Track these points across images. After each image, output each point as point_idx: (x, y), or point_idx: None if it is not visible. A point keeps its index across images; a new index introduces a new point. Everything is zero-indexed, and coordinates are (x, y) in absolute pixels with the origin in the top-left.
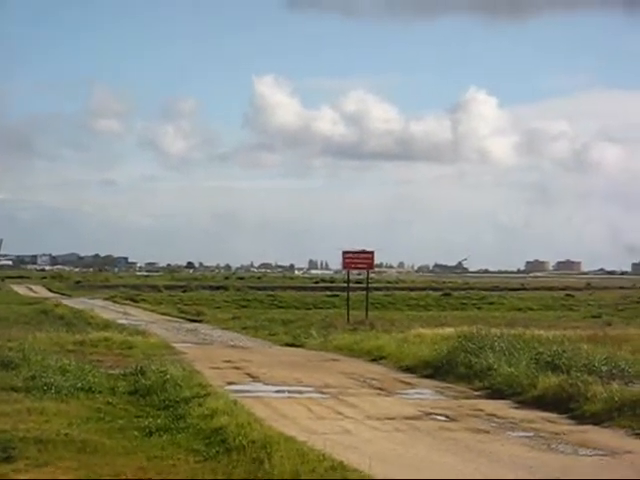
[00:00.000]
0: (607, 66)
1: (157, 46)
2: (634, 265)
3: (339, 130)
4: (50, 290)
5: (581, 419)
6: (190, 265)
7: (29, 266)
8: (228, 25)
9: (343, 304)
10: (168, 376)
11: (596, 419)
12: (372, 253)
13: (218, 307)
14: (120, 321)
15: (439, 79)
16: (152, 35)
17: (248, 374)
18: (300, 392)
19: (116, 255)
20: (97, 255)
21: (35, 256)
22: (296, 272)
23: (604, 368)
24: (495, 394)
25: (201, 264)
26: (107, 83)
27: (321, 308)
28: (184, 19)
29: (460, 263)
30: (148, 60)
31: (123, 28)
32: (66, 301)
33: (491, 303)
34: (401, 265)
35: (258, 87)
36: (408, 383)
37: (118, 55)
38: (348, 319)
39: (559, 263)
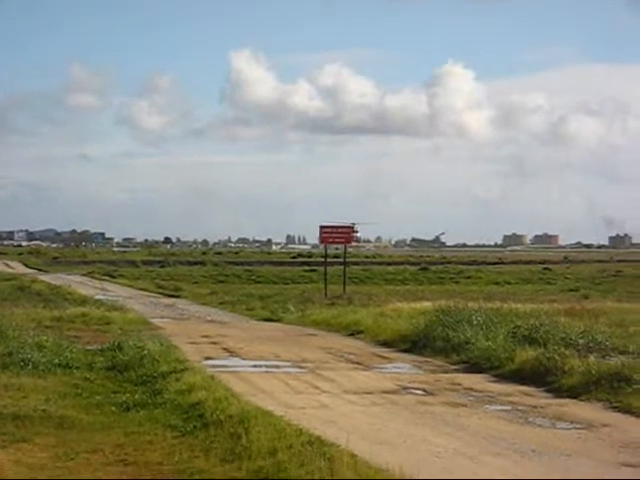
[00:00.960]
0: (584, 40)
1: (134, 23)
2: (611, 238)
3: (315, 104)
4: (27, 266)
5: (558, 392)
6: (167, 240)
7: (6, 242)
8: (204, 1)
9: (321, 279)
10: (145, 351)
11: (573, 392)
12: (350, 227)
13: (196, 282)
14: (98, 297)
15: (416, 53)
16: (129, 12)
17: (225, 349)
18: (277, 367)
19: (93, 231)
20: (74, 231)
21: (12, 232)
22: (274, 247)
23: (581, 341)
24: (473, 368)
25: (178, 239)
26: (84, 60)
27: (299, 283)
28: None
29: (437, 237)
30: (125, 37)
31: (100, 6)
32: (43, 277)
33: (468, 277)
34: (378, 240)
35: (235, 62)
36: (385, 357)
37: (95, 33)
38: (326, 294)
39: (536, 237)
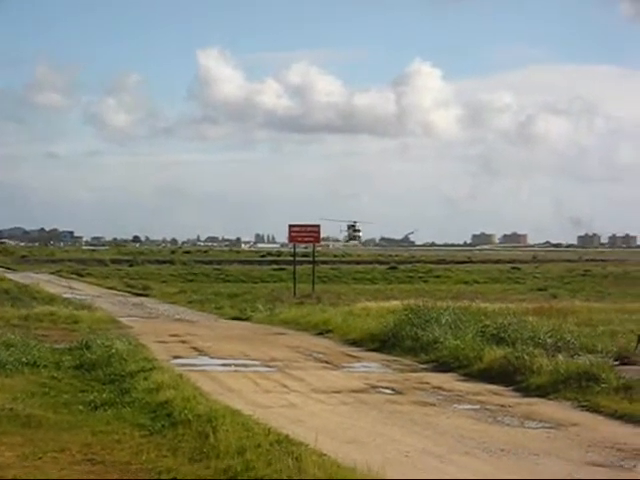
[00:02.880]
0: (552, 40)
1: (100, 21)
2: (580, 238)
3: (283, 103)
4: None
5: (527, 391)
6: (136, 239)
7: None
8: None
9: (290, 278)
10: (114, 350)
11: (542, 391)
12: (318, 227)
13: (164, 281)
14: (66, 295)
15: (384, 52)
16: (95, 10)
17: (194, 348)
18: (246, 366)
19: (62, 229)
20: (42, 229)
21: None
22: (243, 246)
23: (550, 340)
24: (441, 367)
25: (147, 238)
26: (50, 58)
27: (268, 282)
28: None
29: (407, 236)
30: (92, 35)
31: (65, 4)
32: (11, 275)
33: (437, 276)
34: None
35: (202, 60)
36: (354, 356)
37: (61, 31)
38: (295, 293)
39: (505, 236)
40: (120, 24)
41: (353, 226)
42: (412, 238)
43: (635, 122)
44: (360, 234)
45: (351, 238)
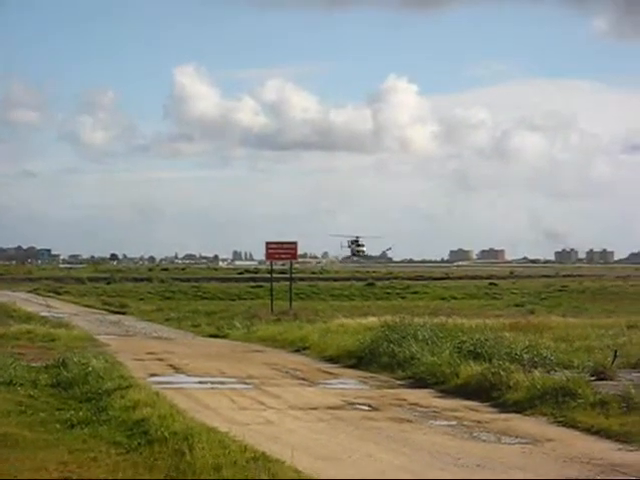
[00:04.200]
0: (527, 55)
1: (76, 38)
2: (557, 253)
3: (259, 120)
4: None
5: (503, 407)
6: (114, 257)
7: None
8: (147, 16)
9: (267, 295)
10: (90, 368)
11: (518, 407)
12: (295, 244)
13: (142, 299)
14: (43, 314)
15: (359, 67)
16: (70, 27)
17: (171, 365)
18: (223, 383)
19: (39, 247)
20: (19, 247)
21: None
22: (220, 263)
23: (526, 356)
24: (418, 383)
25: (125, 256)
26: (25, 75)
27: (245, 299)
28: (103, 10)
29: (384, 253)
30: (67, 52)
31: (41, 20)
32: None
33: (415, 292)
34: (325, 255)
35: (178, 78)
36: (331, 373)
37: (36, 48)
38: (272, 310)
39: (483, 252)
40: (95, 41)
41: (356, 241)
42: (390, 254)
43: (611, 138)
44: (364, 249)
45: (354, 253)
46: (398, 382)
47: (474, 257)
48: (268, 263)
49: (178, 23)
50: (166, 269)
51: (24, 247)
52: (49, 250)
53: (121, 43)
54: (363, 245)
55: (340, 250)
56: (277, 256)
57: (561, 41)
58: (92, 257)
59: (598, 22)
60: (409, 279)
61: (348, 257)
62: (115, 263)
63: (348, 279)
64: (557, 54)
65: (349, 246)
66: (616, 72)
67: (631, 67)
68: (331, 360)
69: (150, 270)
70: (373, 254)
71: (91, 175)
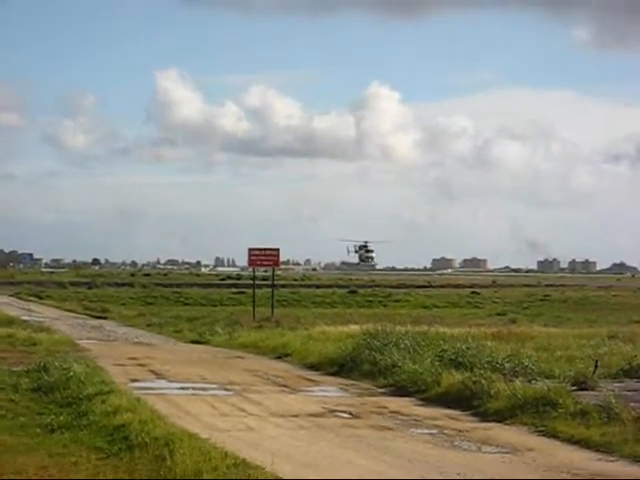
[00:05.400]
0: (510, 64)
1: (58, 41)
2: (539, 263)
3: (242, 126)
4: None
5: (484, 416)
6: (96, 262)
7: None
8: (129, 20)
9: (249, 301)
10: (71, 373)
11: (499, 416)
12: (277, 250)
13: (124, 304)
14: (24, 318)
15: (342, 75)
16: (52, 29)
17: (152, 371)
18: (204, 389)
19: (21, 251)
20: (1, 251)
21: None
22: (202, 269)
23: (508, 365)
24: (399, 391)
25: (107, 261)
26: (6, 78)
27: (227, 305)
28: (85, 12)
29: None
30: (48, 55)
31: (21, 22)
32: None
33: (397, 300)
34: (307, 262)
35: (160, 82)
36: (312, 380)
37: (18, 50)
38: (254, 316)
39: (465, 261)
40: (77, 44)
41: (365, 246)
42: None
43: (593, 147)
44: (373, 254)
45: (362, 260)
46: (379, 390)
47: (456, 266)
48: (250, 269)
49: (161, 27)
50: (148, 274)
51: (6, 251)
52: (31, 254)
53: (103, 46)
54: (372, 251)
55: (347, 256)
56: (259, 262)
57: (543, 50)
58: (74, 261)
59: (579, 32)
60: (391, 287)
61: (357, 264)
62: (97, 268)
63: (330, 286)
64: (539, 63)
65: (357, 251)
66: (597, 82)
67: (612, 77)
68: (312, 367)
69: (132, 275)
70: (356, 262)
71: (73, 179)
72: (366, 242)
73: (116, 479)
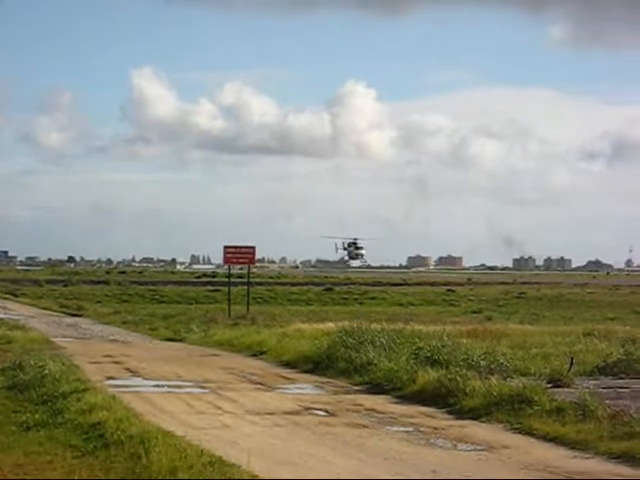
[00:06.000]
0: (487, 63)
1: (33, 39)
2: (515, 260)
3: (217, 124)
4: None
5: (460, 414)
6: (71, 259)
7: None
8: (105, 19)
9: (225, 299)
10: (47, 371)
11: (475, 414)
12: (253, 248)
13: (99, 301)
14: None
15: (319, 73)
16: (28, 27)
17: (127, 369)
18: (179, 387)
19: None
20: None
21: None
22: (178, 267)
23: (483, 363)
24: (375, 389)
25: (82, 258)
26: None
27: (203, 303)
28: (61, 11)
29: (342, 258)
30: (24, 54)
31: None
32: None
33: (373, 298)
34: (283, 260)
35: (135, 80)
36: (288, 378)
37: None
38: (229, 314)
39: (441, 258)
40: (53, 42)
41: (355, 244)
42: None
43: (568, 145)
44: (363, 252)
45: (352, 257)
46: (355, 388)
47: (432, 263)
48: (226, 267)
49: (137, 25)
50: (123, 272)
51: None
52: (6, 252)
53: (80, 45)
54: (363, 248)
55: (335, 253)
56: (235, 260)
57: (520, 49)
58: (49, 259)
59: (555, 31)
60: (367, 285)
61: (345, 261)
62: (72, 265)
63: (306, 284)
64: (516, 62)
65: (345, 249)
66: (574, 80)
67: (589, 75)
68: (288, 365)
69: (107, 273)
70: (332, 259)
71: (48, 176)
72: (355, 239)
73: (91, 478)
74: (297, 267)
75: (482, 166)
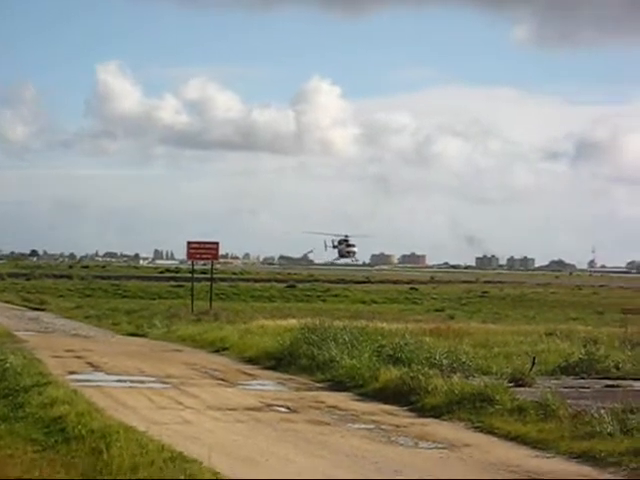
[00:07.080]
0: (451, 62)
1: None
2: (478, 259)
3: (182, 119)
4: None
5: (422, 412)
6: (34, 253)
7: None
8: (71, 12)
9: (188, 294)
10: (8, 364)
11: (437, 412)
12: (217, 244)
13: (62, 296)
14: None
15: (283, 69)
16: None
17: (90, 363)
18: (142, 382)
19: None
20: None
21: None
22: (141, 262)
23: (445, 361)
24: (337, 386)
25: (45, 252)
26: None
27: (166, 298)
28: (26, 4)
29: (306, 255)
30: None
31: None
32: None
33: (336, 295)
34: (247, 256)
35: (100, 75)
36: (250, 374)
37: None
38: (192, 309)
39: (404, 256)
40: (18, 35)
41: (346, 241)
42: (311, 257)
43: (532, 145)
44: (355, 249)
45: (342, 255)
46: (317, 385)
47: (395, 261)
48: (189, 263)
49: (102, 20)
50: (86, 266)
51: None
52: None
53: (44, 38)
54: (354, 245)
55: (325, 250)
56: (198, 256)
57: (484, 48)
58: (12, 253)
59: (520, 30)
60: (330, 282)
61: (336, 258)
62: (35, 259)
63: (269, 280)
64: (480, 61)
65: (335, 246)
66: (538, 80)
67: (552, 75)
68: (250, 361)
69: (70, 267)
70: (295, 256)
71: (11, 171)
72: (346, 236)
73: (52, 475)
74: (271, 263)
75: (446, 165)
